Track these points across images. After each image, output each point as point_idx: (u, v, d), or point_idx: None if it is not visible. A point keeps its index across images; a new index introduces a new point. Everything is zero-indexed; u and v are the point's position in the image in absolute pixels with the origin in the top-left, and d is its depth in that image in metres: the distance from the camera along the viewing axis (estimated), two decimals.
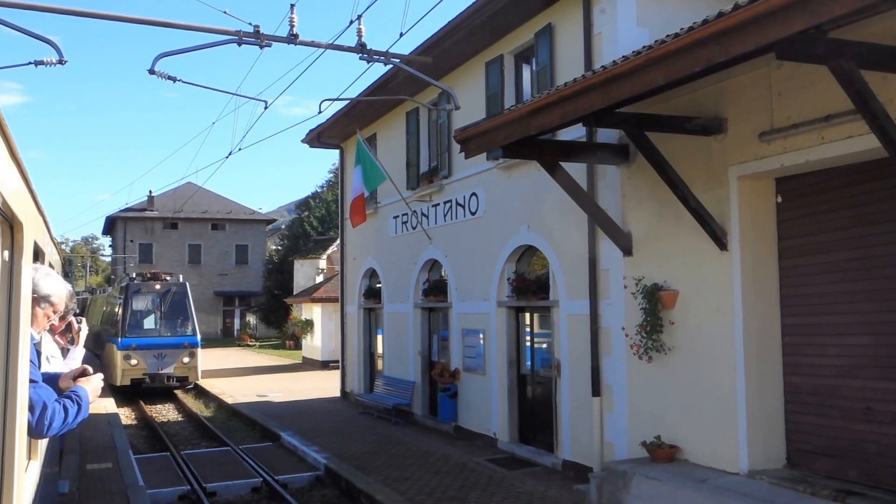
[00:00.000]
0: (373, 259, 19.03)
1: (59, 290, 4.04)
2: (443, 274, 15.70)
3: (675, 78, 6.62)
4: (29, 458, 4.29)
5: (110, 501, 10.20)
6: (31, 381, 3.39)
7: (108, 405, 19.10)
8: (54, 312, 4.06)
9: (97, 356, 30.39)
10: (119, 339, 22.83)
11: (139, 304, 23.85)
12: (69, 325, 4.89)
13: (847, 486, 7.31)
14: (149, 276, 25.29)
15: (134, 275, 26.36)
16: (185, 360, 23.17)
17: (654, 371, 9.40)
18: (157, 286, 24.18)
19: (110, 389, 22.04)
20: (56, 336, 4.97)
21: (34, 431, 3.42)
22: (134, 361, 22.57)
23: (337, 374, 22.34)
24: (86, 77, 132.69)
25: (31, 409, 3.36)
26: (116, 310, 24.61)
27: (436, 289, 15.77)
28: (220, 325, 57.82)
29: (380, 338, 19.28)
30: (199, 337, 23.95)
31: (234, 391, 23.25)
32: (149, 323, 23.87)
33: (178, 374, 23.16)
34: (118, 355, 22.64)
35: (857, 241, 7.56)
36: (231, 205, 60.22)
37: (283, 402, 20.68)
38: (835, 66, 6.03)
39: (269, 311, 49.65)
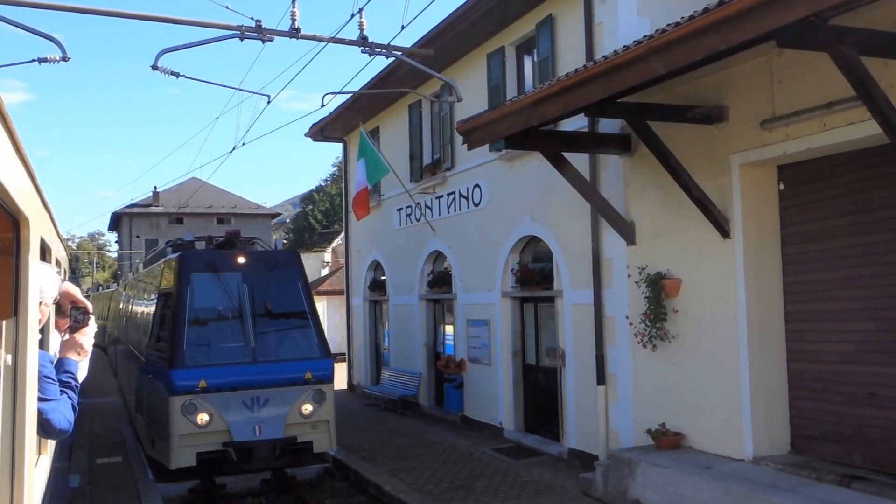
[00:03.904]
0: (377, 252, 19.07)
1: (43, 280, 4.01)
2: (447, 265, 15.73)
3: (677, 67, 6.63)
4: (39, 453, 4.34)
5: (121, 495, 10.28)
6: (48, 399, 3.45)
7: None
8: (45, 305, 4.03)
9: (104, 351, 29.85)
10: (170, 372, 10.64)
11: (206, 297, 11.53)
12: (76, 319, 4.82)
13: (852, 471, 7.34)
14: (216, 240, 12.91)
15: (186, 238, 13.10)
16: (307, 408, 10.89)
17: (658, 359, 9.43)
18: (242, 259, 11.78)
19: (151, 469, 11.74)
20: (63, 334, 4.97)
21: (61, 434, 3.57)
22: (204, 418, 10.46)
23: (343, 366, 22.41)
24: (89, 74, 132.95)
25: (50, 428, 3.45)
26: (154, 311, 12.46)
27: (440, 280, 15.80)
28: None
29: (385, 329, 19.33)
30: (329, 358, 11.56)
31: None
32: (228, 336, 11.46)
33: (295, 440, 10.76)
34: (171, 406, 10.48)
35: (860, 228, 7.56)
36: (236, 199, 60.25)
37: None
38: (835, 53, 6.03)
39: None
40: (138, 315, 15.57)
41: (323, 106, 13.02)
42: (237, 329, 11.30)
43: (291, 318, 11.89)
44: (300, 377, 10.93)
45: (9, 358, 2.94)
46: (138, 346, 13.88)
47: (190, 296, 11.15)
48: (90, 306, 4.18)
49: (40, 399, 3.35)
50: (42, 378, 3.42)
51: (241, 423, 10.45)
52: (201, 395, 10.35)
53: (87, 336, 3.95)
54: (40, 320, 3.52)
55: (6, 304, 2.92)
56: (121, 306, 21.46)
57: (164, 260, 12.90)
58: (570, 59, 10.96)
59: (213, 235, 13.37)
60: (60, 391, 3.59)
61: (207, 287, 11.41)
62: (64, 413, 3.52)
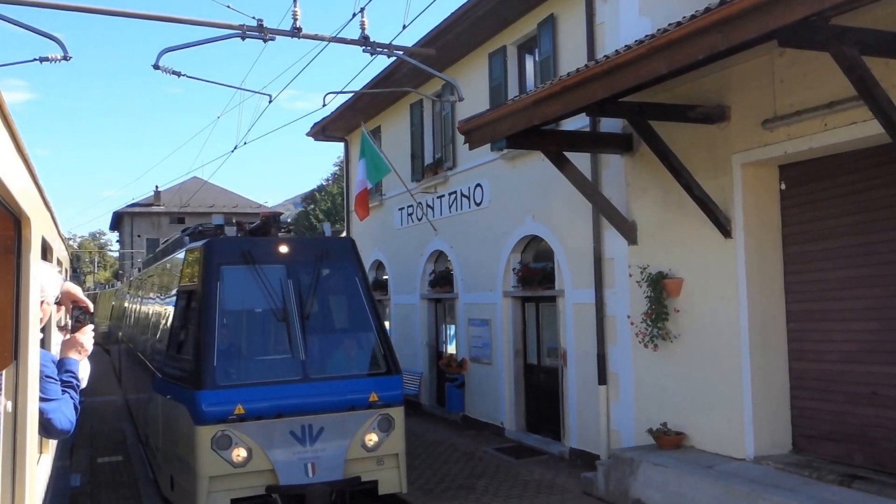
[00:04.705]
0: (379, 251, 19.07)
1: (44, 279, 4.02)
2: (448, 265, 15.73)
3: (678, 66, 6.62)
4: (40, 452, 4.34)
5: (121, 494, 10.31)
6: (49, 399, 3.45)
7: None
8: (47, 304, 4.04)
9: (107, 352, 29.70)
10: (197, 395, 8.19)
11: (241, 296, 9.14)
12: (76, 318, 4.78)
13: (853, 471, 7.33)
14: (249, 227, 10.31)
15: (214, 221, 10.59)
16: (372, 439, 8.70)
17: (659, 359, 9.43)
18: (284, 248, 9.37)
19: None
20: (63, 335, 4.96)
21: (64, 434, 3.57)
22: (241, 455, 8.10)
23: None
24: (91, 73, 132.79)
25: (51, 428, 3.45)
26: (172, 314, 9.88)
27: (442, 280, 15.80)
28: None
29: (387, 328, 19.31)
30: (399, 374, 9.19)
31: None
32: (271, 346, 9.17)
33: (358, 480, 8.58)
34: (197, 438, 8.09)
35: (862, 227, 7.56)
36: (237, 199, 60.26)
37: None
38: (837, 53, 6.03)
39: None
40: (150, 318, 12.80)
41: (324, 105, 13.17)
42: (282, 337, 8.85)
43: (349, 321, 9.61)
44: (363, 399, 8.59)
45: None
46: (150, 356, 11.23)
47: (220, 294, 8.72)
48: (91, 305, 4.19)
49: (42, 399, 3.35)
50: (43, 378, 3.43)
51: (289, 460, 8.13)
52: (238, 425, 8.00)
53: (88, 335, 3.96)
54: (41, 319, 3.52)
55: (7, 306, 2.93)
56: (125, 305, 19.81)
57: (185, 250, 10.22)
58: (571, 58, 10.96)
59: (243, 221, 10.69)
60: (62, 391, 3.60)
61: (242, 283, 8.92)
62: (65, 413, 3.52)
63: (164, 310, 11.05)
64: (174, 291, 10.10)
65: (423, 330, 16.70)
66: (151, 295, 13.63)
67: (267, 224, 10.01)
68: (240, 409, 8.04)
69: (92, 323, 4.05)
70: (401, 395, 8.95)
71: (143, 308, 14.47)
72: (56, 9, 9.06)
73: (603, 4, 10.41)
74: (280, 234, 10.08)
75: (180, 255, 10.54)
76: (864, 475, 7.19)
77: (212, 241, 9.34)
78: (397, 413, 8.82)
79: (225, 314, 8.76)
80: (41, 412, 3.33)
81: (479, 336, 14.14)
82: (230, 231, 10.19)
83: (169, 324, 9.92)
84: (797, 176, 8.21)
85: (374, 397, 8.66)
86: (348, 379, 8.81)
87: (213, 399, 8.08)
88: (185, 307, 9.37)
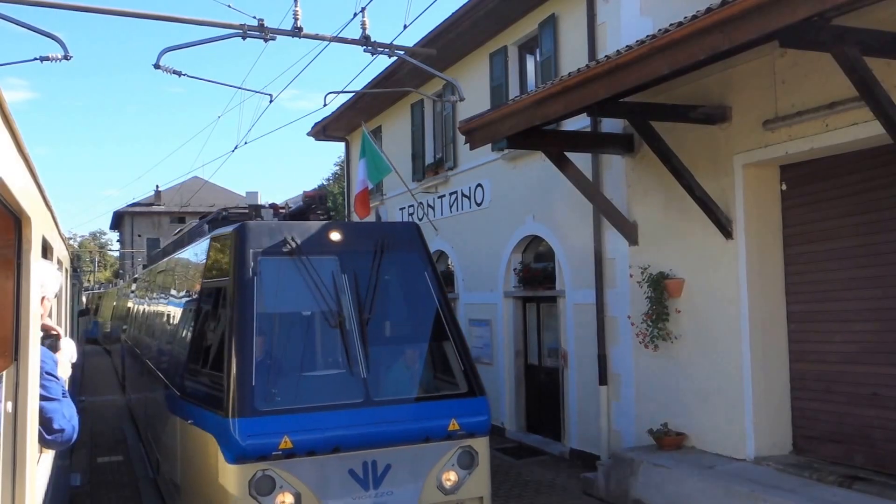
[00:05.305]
0: None
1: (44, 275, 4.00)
2: (449, 265, 15.71)
3: (680, 66, 6.62)
4: (41, 451, 4.34)
5: (122, 494, 10.30)
6: (51, 398, 3.43)
7: None
8: (47, 300, 4.02)
9: (108, 352, 29.39)
10: (231, 424, 6.25)
11: (284, 295, 7.26)
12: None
13: (853, 472, 7.33)
14: (283, 209, 9.56)
15: (248, 202, 7.86)
16: (451, 478, 6.81)
17: (660, 359, 9.42)
18: (336, 235, 7.48)
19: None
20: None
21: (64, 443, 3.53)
22: (287, 501, 6.19)
23: None
24: (91, 72, 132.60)
25: (53, 429, 3.43)
26: (194, 318, 8.10)
27: (443, 280, 15.75)
28: None
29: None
30: (483, 395, 7.25)
31: None
32: (322, 360, 7.30)
33: None
34: (231, 479, 6.19)
35: (863, 228, 7.55)
36: (238, 198, 60.04)
37: None
38: (838, 54, 6.03)
39: None
40: (162, 320, 11.13)
41: (325, 105, 13.15)
42: (336, 348, 7.09)
43: (420, 327, 7.82)
44: (441, 427, 6.77)
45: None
46: (163, 366, 9.41)
47: (258, 292, 6.94)
48: (62, 331, 4.19)
49: (42, 398, 3.34)
50: (44, 374, 3.41)
51: None
52: (283, 463, 6.21)
53: (63, 362, 3.90)
54: (42, 315, 3.52)
55: (7, 306, 2.92)
56: (129, 305, 18.43)
57: (209, 237, 8.39)
58: (572, 58, 10.95)
59: (279, 205, 9.36)
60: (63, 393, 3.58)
61: (285, 278, 7.17)
62: (65, 413, 3.49)
63: (181, 312, 9.38)
64: (195, 289, 8.46)
65: None
66: (163, 293, 11.99)
67: (310, 206, 8.22)
68: (286, 443, 6.20)
69: (62, 348, 4.01)
70: (487, 422, 7.08)
71: (153, 308, 12.93)
72: (56, 8, 9.06)
73: (604, 4, 10.40)
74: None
75: (203, 244, 8.67)
76: (865, 476, 7.19)
77: (246, 226, 7.39)
78: (481, 445, 6.98)
79: (264, 318, 6.97)
80: (41, 411, 3.32)
81: (479, 336, 14.13)
82: (266, 215, 8.41)
83: (189, 329, 8.24)
84: (798, 177, 8.20)
85: (454, 425, 6.80)
86: (422, 402, 7.02)
87: (253, 429, 6.22)
88: (212, 309, 7.58)
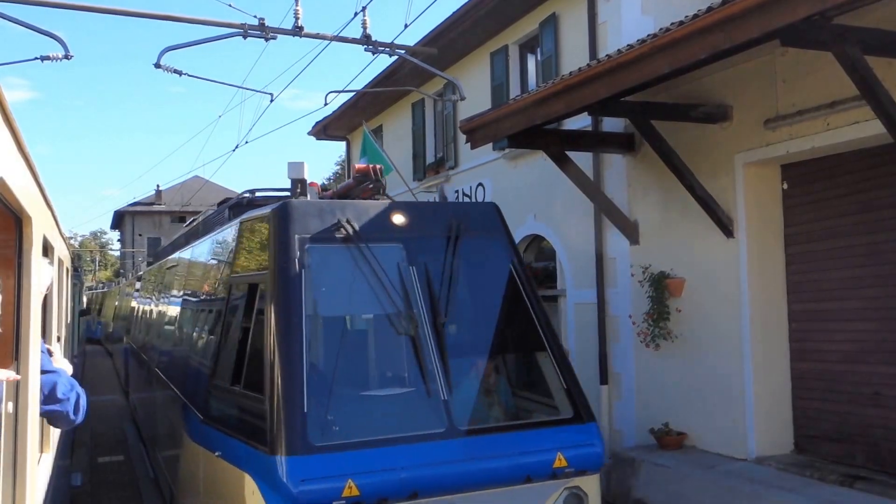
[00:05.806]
0: None
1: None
2: None
3: (681, 66, 6.62)
4: (41, 451, 4.34)
5: (122, 494, 10.30)
6: (50, 371, 3.40)
7: None
8: (39, 294, 4.01)
9: (109, 354, 29.12)
10: (278, 462, 4.78)
11: (339, 294, 5.72)
12: None
13: (854, 471, 7.32)
14: (329, 189, 7.45)
15: (290, 177, 6.52)
16: None
17: (661, 358, 9.41)
18: (401, 218, 5.94)
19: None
20: None
21: (72, 420, 3.47)
22: None
23: None
24: (92, 72, 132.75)
25: (58, 399, 3.38)
26: (222, 323, 6.47)
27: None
28: None
29: None
30: (593, 421, 5.73)
31: None
32: (390, 378, 5.75)
33: None
34: None
35: (864, 227, 7.54)
36: None
37: None
38: (839, 53, 6.02)
39: None
40: (175, 323, 9.58)
41: (326, 104, 13.16)
42: (408, 361, 5.62)
43: (508, 334, 6.30)
44: (544, 464, 5.34)
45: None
46: (178, 379, 8.02)
47: (306, 291, 5.47)
48: (57, 349, 4.18)
49: (42, 371, 3.30)
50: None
51: None
52: None
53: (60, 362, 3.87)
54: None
55: (7, 305, 2.92)
56: (133, 304, 17.33)
57: (238, 221, 6.83)
58: (573, 57, 10.94)
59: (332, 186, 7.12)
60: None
61: (340, 272, 5.74)
62: (64, 383, 3.44)
63: (199, 314, 7.96)
64: (219, 287, 7.05)
65: None
66: (174, 292, 10.44)
67: (362, 184, 6.61)
68: (351, 489, 4.77)
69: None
70: (600, 455, 5.64)
71: (162, 309, 11.41)
72: (57, 7, 9.06)
73: (605, 3, 10.40)
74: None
75: (228, 230, 7.16)
76: (866, 476, 7.18)
77: (289, 205, 5.85)
78: (592, 486, 5.55)
79: (315, 322, 5.57)
80: (41, 386, 3.27)
81: None
82: (311, 191, 6.65)
83: (212, 336, 6.79)
84: (799, 176, 8.19)
85: (560, 461, 5.36)
86: (518, 430, 5.60)
87: (307, 471, 4.80)
88: (243, 311, 6.07)
